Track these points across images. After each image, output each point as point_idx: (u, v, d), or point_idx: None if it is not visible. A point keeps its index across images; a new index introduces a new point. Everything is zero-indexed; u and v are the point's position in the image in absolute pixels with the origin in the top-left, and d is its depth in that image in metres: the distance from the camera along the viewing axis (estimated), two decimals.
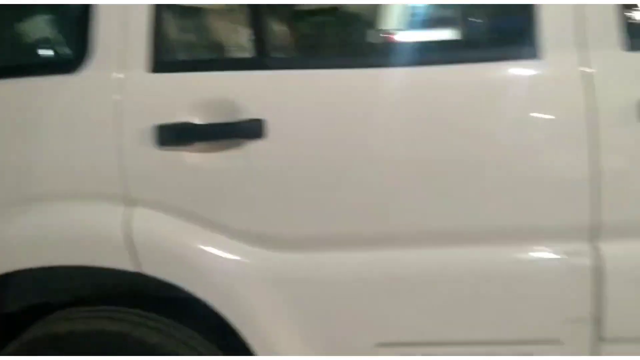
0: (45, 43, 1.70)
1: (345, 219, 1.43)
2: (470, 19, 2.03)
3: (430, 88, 1.40)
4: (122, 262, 1.47)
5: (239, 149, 1.42)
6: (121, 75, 1.47)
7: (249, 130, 1.41)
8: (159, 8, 1.47)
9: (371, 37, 2.19)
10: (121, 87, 1.46)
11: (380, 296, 1.45)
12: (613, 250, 1.37)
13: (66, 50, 1.70)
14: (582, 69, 1.34)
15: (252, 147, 1.42)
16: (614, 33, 1.34)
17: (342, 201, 1.43)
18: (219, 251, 1.47)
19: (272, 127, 1.41)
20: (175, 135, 1.43)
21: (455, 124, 1.37)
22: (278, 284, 1.46)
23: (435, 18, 2.21)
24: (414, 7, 2.18)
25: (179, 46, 1.62)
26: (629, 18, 1.38)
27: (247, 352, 1.48)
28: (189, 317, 1.54)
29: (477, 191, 1.37)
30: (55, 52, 1.75)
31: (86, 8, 1.48)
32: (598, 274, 1.37)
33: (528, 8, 1.38)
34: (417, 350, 1.46)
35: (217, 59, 1.70)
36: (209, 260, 1.47)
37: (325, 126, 1.41)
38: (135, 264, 1.47)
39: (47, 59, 1.76)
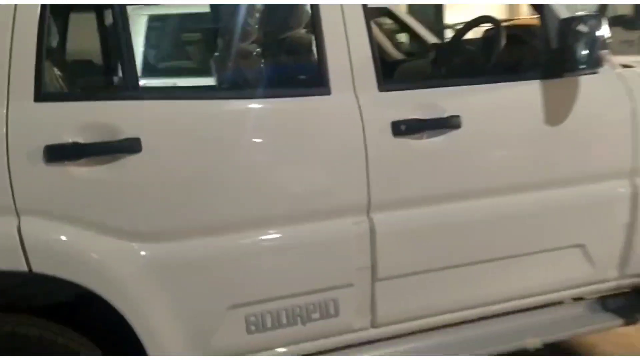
0: None
1: (198, 214, 1.90)
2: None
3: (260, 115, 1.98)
4: (15, 264, 1.71)
5: (123, 162, 1.79)
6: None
7: (128, 146, 1.79)
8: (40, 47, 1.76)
9: None
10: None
11: (224, 271, 1.95)
12: (379, 219, 2.08)
13: None
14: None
15: (132, 160, 1.80)
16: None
17: (194, 201, 1.90)
18: (98, 246, 1.80)
19: (148, 144, 1.81)
20: (63, 153, 1.74)
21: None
22: (151, 267, 1.85)
23: None
24: None
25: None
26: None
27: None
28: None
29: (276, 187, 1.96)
30: None
31: None
32: (372, 235, 2.07)
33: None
34: (256, 307, 1.98)
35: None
36: (88, 252, 1.79)
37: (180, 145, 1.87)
38: (27, 264, 1.72)
39: None
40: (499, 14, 12.25)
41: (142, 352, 1.89)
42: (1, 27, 1.73)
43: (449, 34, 8.11)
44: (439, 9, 6.92)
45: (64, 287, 1.79)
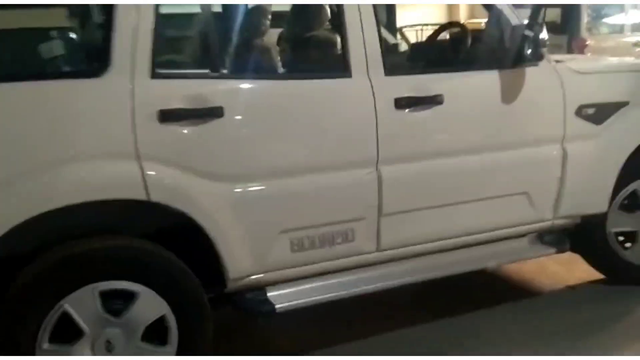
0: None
1: (263, 163, 2.62)
2: None
3: None
4: (139, 195, 2.39)
5: (211, 124, 2.49)
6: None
7: (214, 112, 2.50)
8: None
9: None
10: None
11: (278, 205, 2.67)
12: (387, 170, 2.85)
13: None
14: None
15: (217, 122, 2.50)
16: None
17: (259, 154, 2.61)
18: (195, 183, 2.50)
19: (230, 110, 2.51)
20: (171, 116, 2.43)
21: None
22: (231, 199, 2.56)
23: None
24: None
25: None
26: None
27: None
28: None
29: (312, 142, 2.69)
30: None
31: None
32: (380, 182, 2.84)
33: None
34: (298, 232, 2.71)
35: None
36: (188, 188, 2.49)
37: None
38: (147, 194, 2.41)
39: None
40: (440, 15, 13.30)
41: (218, 268, 2.59)
42: (128, 25, 2.40)
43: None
44: (391, 11, 7.75)
45: (168, 213, 2.48)
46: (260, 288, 2.78)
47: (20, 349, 2.32)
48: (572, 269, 3.89)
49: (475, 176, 3.07)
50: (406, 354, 2.93)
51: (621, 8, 10.08)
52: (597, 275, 3.76)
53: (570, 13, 9.22)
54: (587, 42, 9.27)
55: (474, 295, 3.61)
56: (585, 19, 9.33)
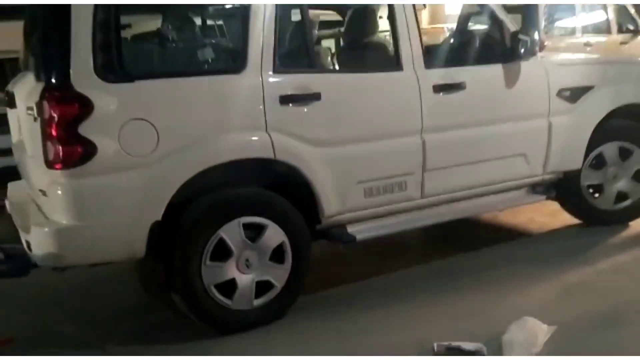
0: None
1: (345, 133, 3.67)
2: None
3: None
4: (269, 154, 3.42)
5: (313, 105, 3.53)
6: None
7: (314, 96, 3.54)
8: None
9: None
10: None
11: (356, 163, 3.72)
12: (429, 137, 3.93)
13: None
14: None
15: (317, 104, 3.54)
16: None
17: (343, 126, 3.66)
18: (303, 147, 3.53)
19: (326, 94, 3.55)
20: (286, 99, 3.46)
21: None
22: (326, 159, 3.60)
23: None
24: None
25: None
26: None
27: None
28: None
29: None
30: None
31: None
32: (423, 146, 3.92)
33: None
34: (369, 183, 3.77)
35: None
36: (299, 150, 3.51)
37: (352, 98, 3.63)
38: (274, 154, 3.43)
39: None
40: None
41: (315, 206, 3.63)
42: (258, 36, 3.41)
43: None
44: None
45: (285, 168, 3.50)
46: (342, 225, 3.83)
47: (191, 264, 3.31)
48: (554, 219, 5.05)
49: (488, 141, 4.18)
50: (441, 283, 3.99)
51: (572, 11, 11.44)
52: (573, 222, 4.91)
53: (530, 15, 10.48)
54: (545, 43, 10.55)
55: (480, 237, 4.75)
56: (542, 22, 10.62)
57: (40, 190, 3.26)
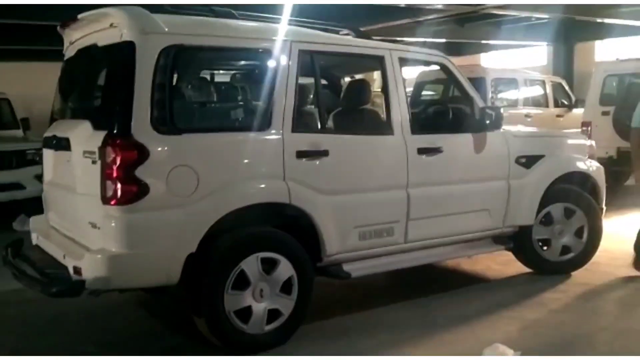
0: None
1: (346, 185, 4.35)
2: None
3: None
4: (285, 199, 4.05)
5: (322, 160, 4.20)
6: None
7: (323, 153, 4.21)
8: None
9: None
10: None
11: (354, 210, 4.39)
12: (413, 192, 4.65)
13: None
14: None
15: (325, 159, 4.22)
16: None
17: (345, 178, 4.34)
18: (313, 195, 4.18)
19: (332, 152, 4.23)
20: (301, 154, 4.12)
21: None
22: (330, 206, 4.25)
23: None
24: None
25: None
26: None
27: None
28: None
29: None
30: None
31: None
32: (409, 199, 4.63)
33: None
34: (364, 228, 4.44)
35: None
36: (309, 197, 4.16)
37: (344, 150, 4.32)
38: (289, 199, 4.07)
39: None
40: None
41: (318, 246, 4.25)
42: (281, 103, 4.08)
43: None
44: None
45: (296, 211, 4.13)
46: (338, 264, 4.46)
47: (216, 291, 3.86)
48: (508, 267, 5.82)
49: (460, 197, 4.93)
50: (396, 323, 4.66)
51: (515, 85, 12.66)
52: (524, 270, 5.69)
53: (479, 89, 11.58)
54: None
55: (448, 281, 5.47)
56: (489, 94, 11.72)
57: (90, 223, 3.77)
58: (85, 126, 3.87)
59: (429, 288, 5.25)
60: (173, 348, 4.17)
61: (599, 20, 15.11)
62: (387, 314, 4.72)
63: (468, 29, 15.80)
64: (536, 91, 13.09)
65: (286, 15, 4.55)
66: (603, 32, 17.01)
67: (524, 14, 13.80)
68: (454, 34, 15.86)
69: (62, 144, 4.10)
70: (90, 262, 3.60)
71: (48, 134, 4.44)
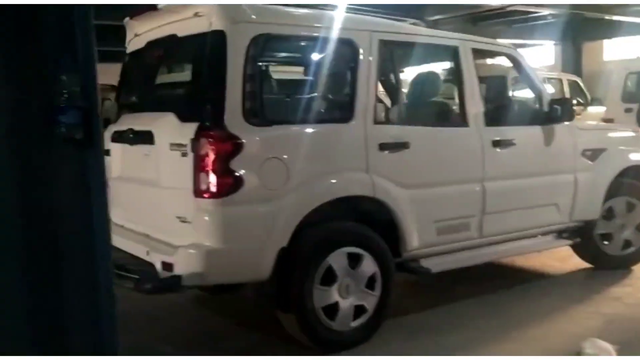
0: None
1: (427, 177, 4.25)
2: None
3: None
4: (370, 193, 3.95)
5: (403, 152, 4.11)
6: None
7: (404, 145, 4.12)
8: None
9: None
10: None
11: (433, 204, 4.30)
12: (488, 185, 4.57)
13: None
14: None
15: (406, 152, 4.12)
16: None
17: (426, 171, 4.25)
18: (395, 188, 4.08)
19: (413, 144, 4.14)
20: (384, 146, 4.03)
21: None
22: (411, 200, 4.16)
23: None
24: None
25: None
26: None
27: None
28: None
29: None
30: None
31: None
32: (484, 192, 4.55)
33: None
34: (441, 223, 4.35)
35: None
36: (392, 191, 4.06)
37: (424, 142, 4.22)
38: (374, 193, 3.97)
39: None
40: None
41: (397, 241, 4.16)
42: (363, 93, 3.99)
43: None
44: None
45: (378, 205, 4.04)
46: (416, 259, 4.36)
47: (306, 286, 3.75)
48: (565, 264, 5.75)
49: (531, 191, 4.86)
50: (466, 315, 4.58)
51: None
52: (582, 266, 5.62)
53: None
54: None
55: (502, 279, 5.38)
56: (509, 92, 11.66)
57: (178, 217, 3.65)
58: (170, 119, 3.75)
59: (492, 285, 5.17)
60: (250, 347, 4.06)
61: (607, 17, 15.17)
62: (461, 310, 4.62)
63: (480, 27, 15.81)
64: (553, 89, 13.08)
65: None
66: (611, 30, 17.10)
67: (543, 12, 13.82)
68: (466, 33, 15.83)
69: (142, 137, 3.97)
70: (184, 258, 3.48)
71: (120, 127, 4.30)
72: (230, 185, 3.48)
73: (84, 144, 2.26)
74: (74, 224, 2.25)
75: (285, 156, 3.66)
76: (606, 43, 19.07)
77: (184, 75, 3.94)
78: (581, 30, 17.42)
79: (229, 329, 4.50)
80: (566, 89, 13.17)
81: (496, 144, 4.61)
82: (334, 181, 3.86)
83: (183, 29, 3.87)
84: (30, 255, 2.19)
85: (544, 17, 16.22)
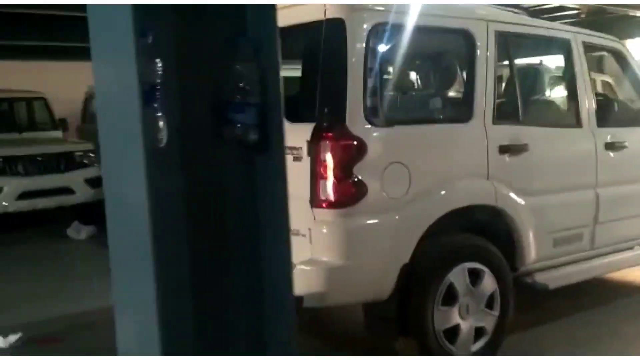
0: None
1: (547, 183, 3.83)
2: None
3: None
4: (492, 202, 3.54)
5: (522, 156, 3.69)
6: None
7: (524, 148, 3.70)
8: None
9: None
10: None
11: (551, 212, 3.88)
12: (601, 192, 4.15)
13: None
14: None
15: (525, 155, 3.71)
16: None
17: (547, 176, 3.82)
18: (515, 195, 3.67)
19: (531, 146, 3.73)
20: (504, 149, 3.62)
21: None
22: (529, 208, 3.74)
23: None
24: None
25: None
26: None
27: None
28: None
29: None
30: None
31: None
32: (597, 199, 4.14)
33: None
34: (557, 233, 3.93)
35: None
36: (513, 199, 3.65)
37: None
38: (496, 201, 3.56)
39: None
40: None
41: (513, 254, 3.74)
42: (481, 90, 3.57)
43: None
44: None
45: (500, 216, 3.63)
46: (529, 274, 3.95)
47: (427, 307, 3.33)
48: None
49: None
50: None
51: None
52: None
53: None
54: None
55: (602, 293, 4.96)
56: None
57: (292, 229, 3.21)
58: None
59: (591, 300, 4.74)
60: None
61: (631, 13, 14.78)
62: (570, 330, 4.20)
63: None
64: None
65: None
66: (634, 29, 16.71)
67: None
68: None
69: None
70: (302, 276, 3.05)
71: None
72: (353, 193, 3.06)
73: (259, 147, 1.84)
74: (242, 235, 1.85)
75: (407, 161, 3.24)
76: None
77: (292, 69, 3.51)
78: (602, 29, 17.01)
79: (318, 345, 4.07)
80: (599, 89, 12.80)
81: (609, 146, 4.20)
82: (456, 189, 3.45)
83: (290, 18, 3.44)
84: (195, 256, 1.77)
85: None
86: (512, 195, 3.66)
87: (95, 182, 8.54)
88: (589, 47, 4.32)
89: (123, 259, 1.72)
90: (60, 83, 11.85)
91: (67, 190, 8.37)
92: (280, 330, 1.92)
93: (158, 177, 1.62)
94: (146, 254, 1.60)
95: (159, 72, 1.62)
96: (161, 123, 1.65)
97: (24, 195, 8.00)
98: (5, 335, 4.24)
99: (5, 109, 10.27)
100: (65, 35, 10.96)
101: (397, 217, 3.20)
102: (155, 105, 1.63)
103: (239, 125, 1.82)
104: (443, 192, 3.38)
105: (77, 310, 4.85)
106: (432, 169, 3.37)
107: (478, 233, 3.68)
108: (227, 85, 1.79)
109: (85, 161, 8.79)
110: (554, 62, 4.82)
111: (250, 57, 1.79)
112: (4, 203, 7.86)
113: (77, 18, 9.90)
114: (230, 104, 1.80)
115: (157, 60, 1.63)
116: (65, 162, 8.61)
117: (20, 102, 10.37)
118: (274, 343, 1.92)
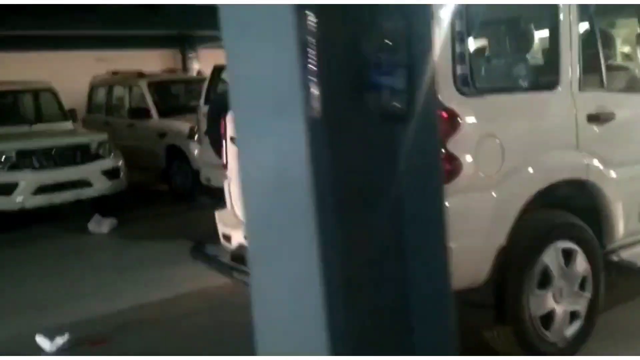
0: None
1: (634, 153, 3.55)
2: None
3: None
4: (583, 175, 3.26)
5: (609, 125, 3.40)
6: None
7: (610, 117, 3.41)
8: None
9: None
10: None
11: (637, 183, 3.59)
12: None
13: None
14: None
15: (612, 124, 3.42)
16: None
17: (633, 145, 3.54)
18: (604, 168, 3.38)
19: (618, 115, 3.44)
20: (595, 118, 3.33)
21: None
22: (618, 181, 3.46)
23: None
24: None
25: None
26: None
27: None
28: None
29: None
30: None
31: None
32: None
33: None
34: None
35: None
36: (602, 171, 3.37)
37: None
38: (587, 175, 3.28)
39: None
40: None
41: (602, 230, 3.47)
42: (567, 57, 3.28)
43: None
44: None
45: (582, 187, 3.35)
46: (614, 251, 3.67)
47: (523, 292, 3.06)
48: None
49: None
50: None
51: None
52: None
53: None
54: None
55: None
56: None
57: None
58: None
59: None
60: None
61: None
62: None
63: None
64: None
65: None
66: None
67: None
68: None
69: None
70: None
71: None
72: (448, 171, 2.78)
73: (404, 116, 1.54)
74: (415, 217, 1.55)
75: (501, 134, 2.96)
76: None
77: None
78: None
79: None
80: None
81: None
82: (549, 163, 3.17)
83: None
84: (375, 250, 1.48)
85: None
86: (602, 167, 3.39)
87: (112, 174, 8.29)
88: None
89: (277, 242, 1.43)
90: (62, 73, 11.46)
91: (84, 183, 8.07)
92: (436, 328, 1.64)
93: (316, 153, 1.33)
94: (309, 237, 1.31)
95: (314, 25, 1.32)
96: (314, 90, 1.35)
97: (41, 190, 7.68)
98: (51, 337, 3.97)
99: (13, 101, 9.93)
100: (66, 24, 10.57)
101: (494, 195, 2.93)
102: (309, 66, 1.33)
103: (385, 90, 1.52)
104: (539, 166, 3.10)
105: (118, 308, 4.57)
106: (525, 142, 3.09)
107: (562, 209, 3.42)
108: (369, 43, 1.49)
109: (101, 152, 8.50)
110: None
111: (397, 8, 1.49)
112: (20, 199, 7.56)
113: (78, 7, 9.56)
114: (376, 66, 1.51)
115: (308, 12, 1.33)
116: (81, 154, 8.31)
117: (28, 93, 10.02)
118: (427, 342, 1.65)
